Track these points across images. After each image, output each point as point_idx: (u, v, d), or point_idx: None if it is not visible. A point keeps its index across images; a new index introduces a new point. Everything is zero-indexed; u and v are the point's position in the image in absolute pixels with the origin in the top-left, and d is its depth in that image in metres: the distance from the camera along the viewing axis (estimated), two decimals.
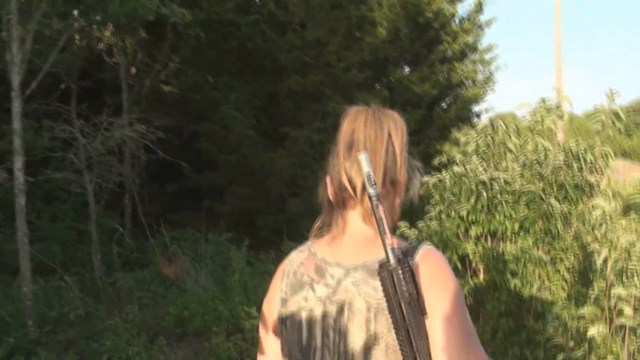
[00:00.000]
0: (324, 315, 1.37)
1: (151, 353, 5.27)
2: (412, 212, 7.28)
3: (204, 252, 8.03)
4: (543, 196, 5.45)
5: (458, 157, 6.29)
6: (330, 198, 1.44)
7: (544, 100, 5.76)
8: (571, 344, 3.85)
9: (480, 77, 13.64)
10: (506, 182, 5.63)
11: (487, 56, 13.78)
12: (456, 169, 5.94)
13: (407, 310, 1.21)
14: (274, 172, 10.03)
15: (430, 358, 1.22)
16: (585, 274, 5.36)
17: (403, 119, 1.47)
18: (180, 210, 10.75)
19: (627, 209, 11.37)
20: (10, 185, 6.45)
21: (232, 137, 10.12)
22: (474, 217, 5.55)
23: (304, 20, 10.59)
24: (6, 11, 6.16)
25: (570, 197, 5.47)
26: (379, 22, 10.93)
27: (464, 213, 5.61)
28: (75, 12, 8.20)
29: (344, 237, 1.43)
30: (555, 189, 5.50)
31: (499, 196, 5.52)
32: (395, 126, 1.44)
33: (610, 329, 3.66)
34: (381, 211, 1.24)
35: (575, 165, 5.47)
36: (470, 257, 5.62)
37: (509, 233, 5.54)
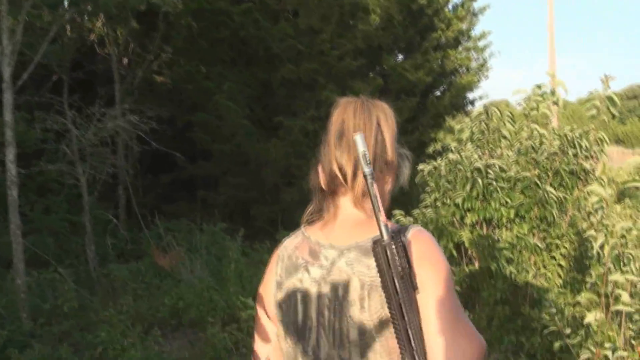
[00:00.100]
0: (319, 295, 1.42)
1: (146, 344, 5.25)
2: (407, 200, 7.28)
3: (198, 243, 8.00)
4: (538, 183, 5.44)
5: (453, 144, 6.27)
6: (322, 185, 1.50)
7: (539, 87, 5.74)
8: (567, 330, 3.84)
9: (474, 64, 13.62)
10: (501, 169, 5.62)
11: (480, 43, 13.77)
12: (451, 156, 5.92)
13: (399, 284, 1.25)
14: (268, 162, 10.00)
15: (422, 331, 1.26)
16: (580, 260, 5.36)
17: (392, 109, 1.51)
18: (175, 200, 10.71)
19: (621, 196, 11.42)
20: (3, 177, 6.40)
21: (225, 127, 10.07)
22: (469, 205, 5.54)
23: (296, 8, 10.52)
24: None
25: (566, 184, 5.46)
26: (372, 9, 10.87)
27: (459, 200, 5.59)
28: (66, 3, 8.14)
29: (336, 222, 1.48)
30: (550, 176, 5.49)
31: (494, 183, 5.50)
32: (384, 116, 1.48)
33: (606, 315, 3.66)
34: (375, 189, 1.28)
35: (570, 152, 5.46)
36: (466, 244, 5.62)
37: (504, 220, 5.54)
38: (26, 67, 6.83)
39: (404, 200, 7.19)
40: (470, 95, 13.72)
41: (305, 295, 1.45)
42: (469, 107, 13.32)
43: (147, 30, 10.51)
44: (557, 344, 4.00)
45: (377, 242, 1.27)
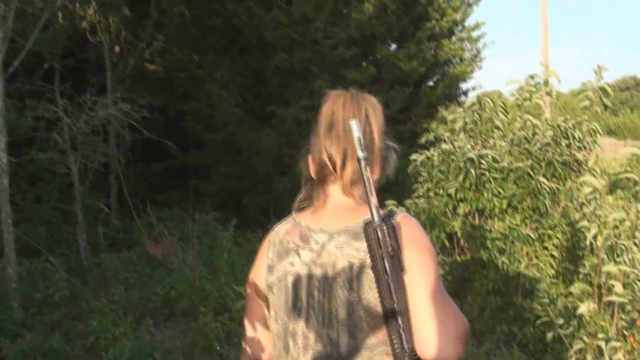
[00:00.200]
0: (309, 277, 1.48)
1: (138, 333, 5.23)
2: (400, 191, 7.27)
3: (190, 232, 7.98)
4: (531, 173, 5.45)
5: (446, 134, 6.27)
6: (312, 174, 1.57)
7: (532, 77, 5.74)
8: (560, 321, 3.85)
9: (467, 54, 13.60)
10: (494, 160, 5.62)
11: (474, 34, 13.74)
12: (444, 146, 5.92)
13: (389, 264, 1.32)
14: (260, 151, 9.97)
15: (408, 311, 1.33)
16: (573, 251, 5.38)
17: (380, 103, 1.57)
18: (167, 190, 10.68)
19: (612, 187, 11.45)
20: None
21: (217, 115, 10.03)
22: (462, 195, 5.55)
23: None
24: None
25: (559, 174, 5.47)
26: None
27: (452, 191, 5.60)
28: None
29: (326, 208, 1.55)
30: (543, 166, 5.50)
31: (487, 174, 5.50)
32: (373, 109, 1.54)
33: (599, 306, 3.67)
34: (369, 172, 1.35)
35: (563, 142, 5.46)
36: (458, 235, 5.62)
37: (496, 211, 5.55)
38: (17, 54, 6.76)
39: (396, 190, 7.19)
40: (464, 86, 13.68)
41: (296, 278, 1.50)
42: (462, 98, 13.30)
43: (139, 17, 10.43)
44: (549, 335, 4.01)
45: (368, 224, 1.34)
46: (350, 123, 1.37)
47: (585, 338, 3.56)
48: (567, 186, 5.53)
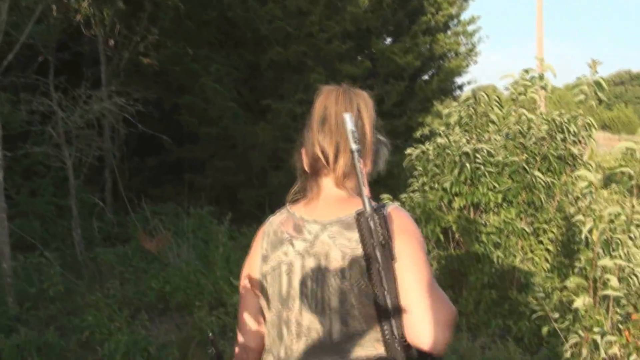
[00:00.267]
0: (303, 267, 1.52)
1: (133, 328, 5.23)
2: (395, 185, 7.27)
3: (185, 227, 7.96)
4: (526, 167, 5.45)
5: (441, 128, 6.28)
6: (305, 167, 1.61)
7: (526, 71, 5.74)
8: (555, 315, 3.86)
9: (462, 49, 13.58)
10: (489, 154, 5.62)
11: (470, 27, 13.72)
12: (439, 140, 5.92)
13: (380, 253, 1.36)
14: (255, 145, 9.95)
15: (398, 298, 1.38)
16: (568, 245, 5.39)
17: (372, 98, 1.61)
18: (161, 184, 10.64)
19: (607, 181, 11.50)
20: None
21: (212, 109, 10.00)
22: (457, 189, 5.55)
23: None
24: None
25: (554, 169, 5.48)
26: None
27: (447, 185, 5.60)
28: None
29: (319, 199, 1.59)
30: (538, 160, 5.51)
31: (482, 168, 5.51)
32: (364, 104, 1.57)
33: (594, 300, 3.68)
34: (361, 164, 1.38)
35: (558, 137, 5.47)
36: (454, 229, 5.63)
37: (492, 205, 5.55)
38: (11, 47, 6.73)
39: (392, 184, 7.18)
40: (459, 80, 13.69)
41: (290, 267, 1.55)
42: (457, 92, 13.30)
43: (134, 11, 10.37)
44: (545, 329, 4.02)
45: (361, 214, 1.39)
46: (343, 116, 1.41)
47: (580, 332, 3.58)
48: (562, 180, 5.54)
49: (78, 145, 8.29)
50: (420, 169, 6.02)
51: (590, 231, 3.61)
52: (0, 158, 6.00)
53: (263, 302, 1.61)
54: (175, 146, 10.44)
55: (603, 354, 3.51)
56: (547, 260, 5.42)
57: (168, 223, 8.21)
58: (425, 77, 13.02)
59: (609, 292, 3.53)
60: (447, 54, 13.23)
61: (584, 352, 3.56)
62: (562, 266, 5.33)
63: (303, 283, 1.52)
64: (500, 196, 5.47)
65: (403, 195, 6.08)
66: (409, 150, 6.14)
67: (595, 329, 3.47)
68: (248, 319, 1.66)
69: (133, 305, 5.93)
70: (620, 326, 3.74)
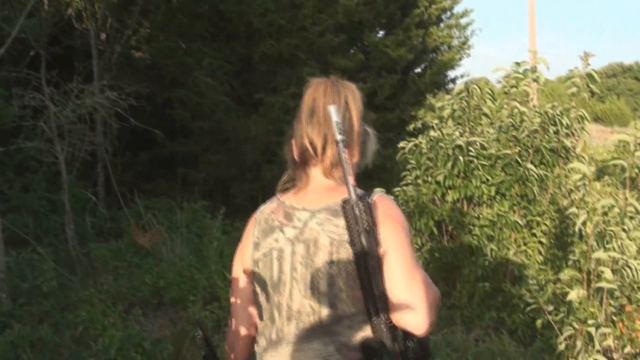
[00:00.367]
0: (293, 252, 1.58)
1: (127, 323, 5.21)
2: (388, 178, 7.27)
3: (179, 221, 7.95)
4: (519, 160, 5.46)
5: (434, 122, 6.28)
6: (295, 158, 1.66)
7: (518, 64, 5.75)
8: (550, 307, 3.87)
9: (455, 42, 13.59)
10: (482, 147, 5.63)
11: (462, 21, 13.72)
12: (432, 133, 5.93)
13: (365, 239, 1.42)
14: (248, 139, 9.93)
15: (383, 282, 1.44)
16: (561, 237, 5.41)
17: (360, 90, 1.66)
18: (154, 178, 10.60)
19: (600, 174, 11.53)
20: None
21: (205, 103, 9.97)
22: (450, 182, 5.56)
23: None
24: None
25: (547, 161, 5.49)
26: None
27: (440, 178, 5.61)
28: None
29: (308, 188, 1.65)
30: (531, 153, 5.52)
31: (475, 161, 5.51)
32: (352, 96, 1.62)
33: (587, 292, 3.69)
34: (347, 154, 1.45)
35: (551, 129, 5.47)
36: (447, 222, 5.64)
37: (485, 198, 5.56)
38: (3, 42, 6.68)
39: (385, 177, 7.18)
40: (452, 73, 13.68)
41: (281, 253, 1.60)
42: (450, 85, 13.30)
43: (125, 4, 10.32)
44: (539, 321, 4.04)
45: (346, 202, 1.45)
46: (328, 108, 1.47)
47: (574, 324, 3.59)
48: (555, 173, 5.55)
49: (70, 140, 8.25)
50: (414, 162, 6.03)
51: (584, 223, 3.63)
52: None
53: (255, 288, 1.66)
54: (167, 140, 10.39)
55: (597, 346, 3.52)
56: (540, 252, 5.44)
57: (161, 218, 8.19)
58: (418, 70, 13.00)
59: (602, 284, 3.55)
60: (440, 47, 13.23)
61: (578, 344, 3.57)
62: (555, 258, 5.35)
63: (293, 268, 1.57)
64: (493, 189, 5.48)
65: (396, 189, 6.08)
66: (402, 144, 6.14)
67: (590, 321, 3.48)
68: (240, 304, 1.72)
69: (127, 301, 5.92)
70: (614, 318, 3.76)
